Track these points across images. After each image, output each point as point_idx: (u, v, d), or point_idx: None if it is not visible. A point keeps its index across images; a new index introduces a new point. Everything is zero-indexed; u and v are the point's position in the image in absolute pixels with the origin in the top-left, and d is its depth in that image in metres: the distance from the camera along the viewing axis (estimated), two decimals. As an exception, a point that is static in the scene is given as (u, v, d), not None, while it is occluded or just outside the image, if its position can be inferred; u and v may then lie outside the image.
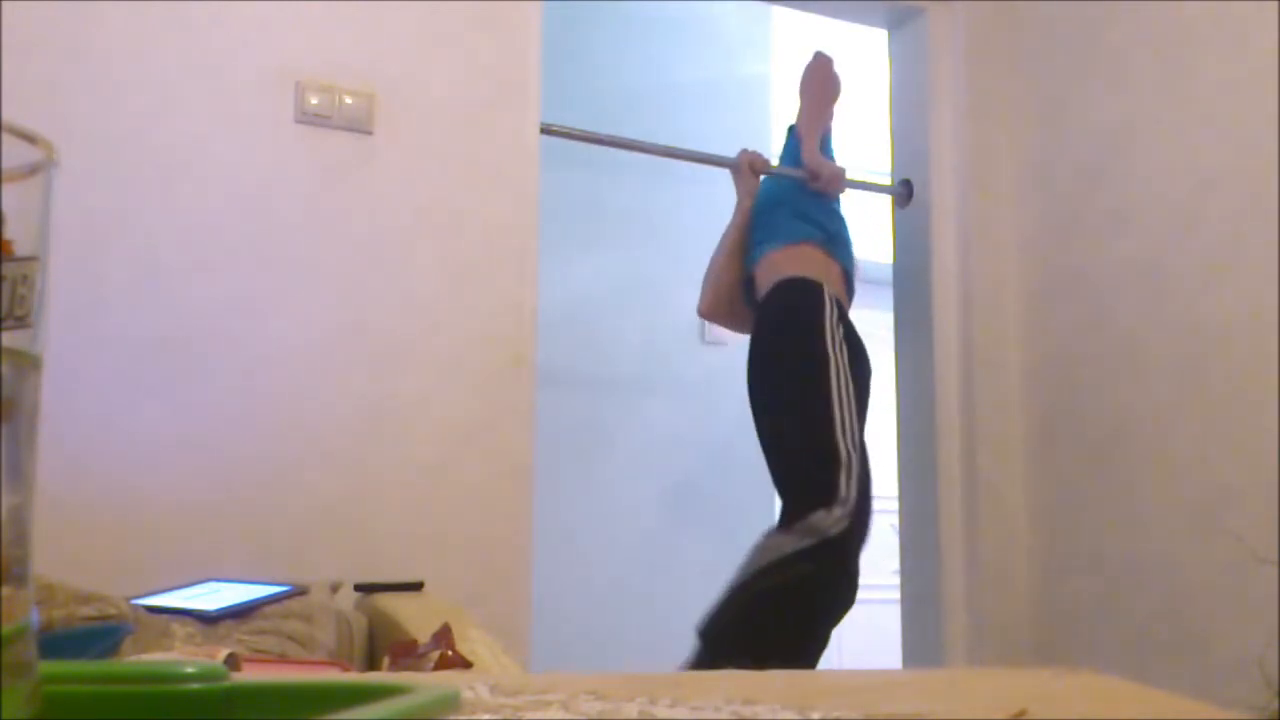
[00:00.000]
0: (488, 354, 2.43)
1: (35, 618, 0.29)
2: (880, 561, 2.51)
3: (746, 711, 0.40)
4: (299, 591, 1.78)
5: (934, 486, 2.98)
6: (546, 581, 2.61)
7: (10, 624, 0.28)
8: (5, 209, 0.28)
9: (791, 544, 2.25)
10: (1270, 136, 2.39)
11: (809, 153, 2.79)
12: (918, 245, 3.13)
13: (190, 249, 2.21)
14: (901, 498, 3.10)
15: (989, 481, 2.96)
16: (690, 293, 2.95)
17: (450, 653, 1.43)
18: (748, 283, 2.78)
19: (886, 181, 3.27)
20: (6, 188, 0.28)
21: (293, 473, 2.22)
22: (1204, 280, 2.53)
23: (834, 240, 2.70)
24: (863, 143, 3.81)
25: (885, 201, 3.34)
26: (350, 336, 2.31)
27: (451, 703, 0.31)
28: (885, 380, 2.88)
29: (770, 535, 2.32)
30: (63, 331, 2.03)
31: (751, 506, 3.56)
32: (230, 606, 1.67)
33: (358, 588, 2.08)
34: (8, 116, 0.28)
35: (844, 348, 2.45)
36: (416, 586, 2.08)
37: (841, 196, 2.85)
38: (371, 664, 1.81)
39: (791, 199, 2.78)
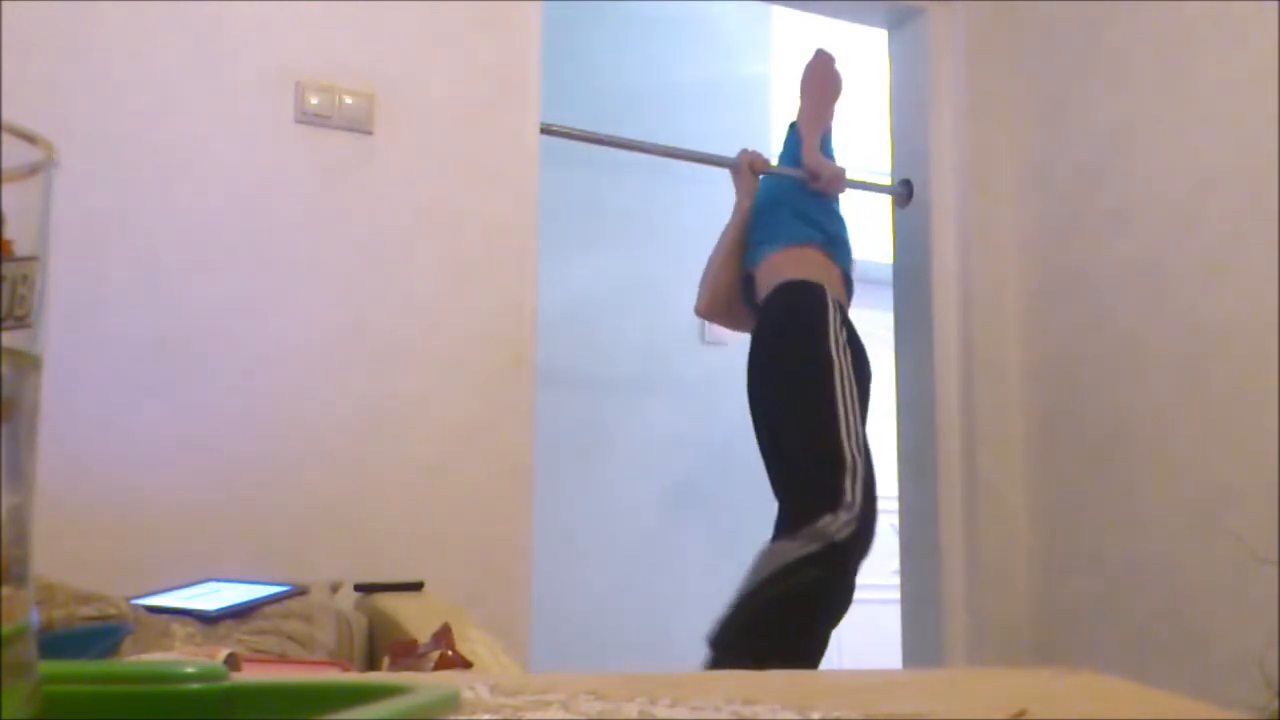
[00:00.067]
0: (488, 354, 2.43)
1: (35, 618, 0.29)
2: (880, 561, 2.51)
3: (746, 711, 0.40)
4: (299, 591, 1.78)
5: (934, 486, 2.98)
6: (546, 581, 2.61)
7: (10, 624, 0.28)
8: (5, 209, 0.28)
9: (797, 550, 2.24)
10: (1270, 136, 2.39)
11: (809, 153, 2.78)
12: (918, 245, 3.13)
13: (190, 249, 2.21)
14: (901, 498, 3.10)
15: (989, 481, 2.96)
16: (690, 293, 2.95)
17: (450, 653, 1.43)
18: (746, 282, 2.78)
19: (886, 181, 3.27)
20: (6, 188, 0.28)
21: (293, 473, 2.22)
22: (1204, 280, 2.53)
23: (834, 242, 2.70)
24: (863, 143, 3.81)
25: (885, 201, 3.34)
26: (350, 336, 2.31)
27: (451, 703, 0.31)
28: (885, 380, 2.88)
29: (775, 541, 2.31)
30: (63, 331, 2.03)
31: (751, 506, 3.55)
32: (230, 606, 1.67)
33: (358, 588, 2.08)
34: (8, 116, 0.28)
35: (847, 351, 2.45)
36: (416, 586, 2.08)
37: (841, 196, 2.85)
38: (371, 664, 1.81)
39: (792, 199, 2.78)
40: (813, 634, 2.30)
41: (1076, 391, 2.85)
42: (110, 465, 2.09)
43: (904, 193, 3.18)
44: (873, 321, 3.09)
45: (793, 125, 2.98)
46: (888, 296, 3.26)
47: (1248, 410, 2.40)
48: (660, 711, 0.40)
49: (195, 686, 0.34)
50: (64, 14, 2.15)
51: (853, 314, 2.63)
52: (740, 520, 3.57)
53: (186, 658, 1.00)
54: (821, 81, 2.87)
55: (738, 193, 2.89)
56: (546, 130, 2.63)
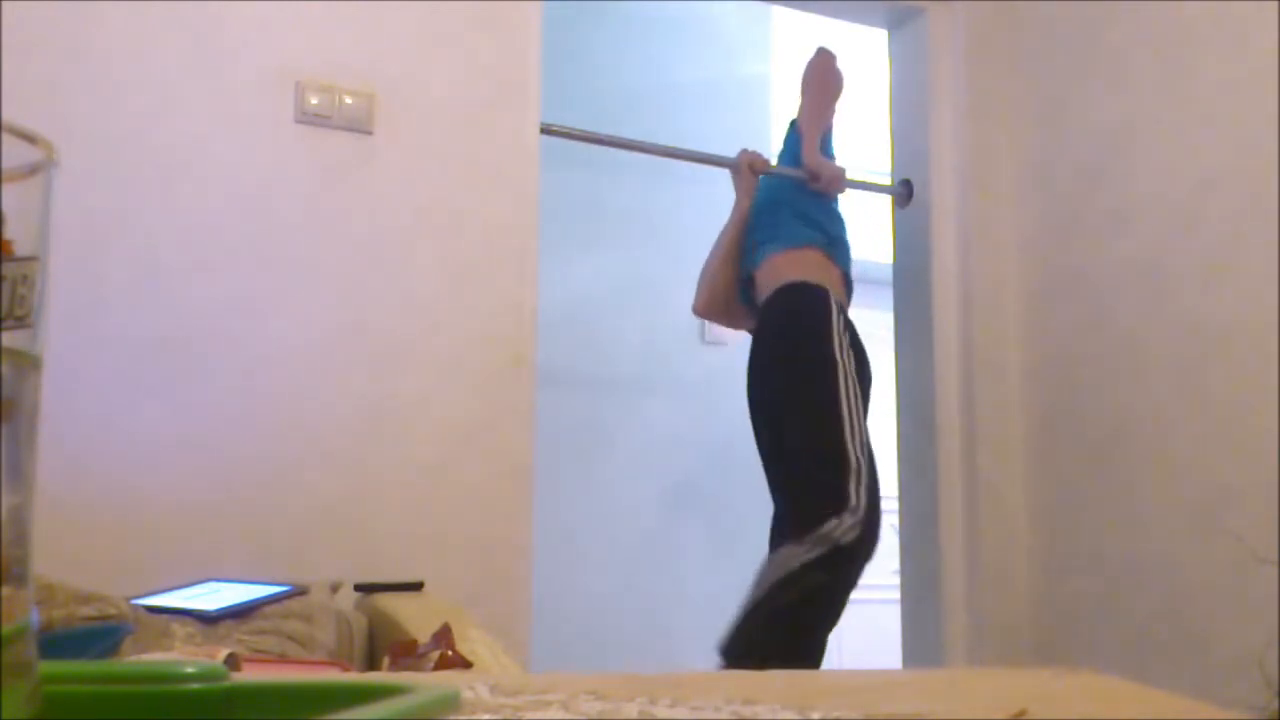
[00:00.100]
0: (488, 354, 2.43)
1: (35, 618, 0.29)
2: (880, 561, 2.51)
3: (746, 711, 0.40)
4: (299, 591, 1.78)
5: (934, 486, 2.98)
6: (546, 581, 2.61)
7: (10, 624, 0.28)
8: (5, 209, 0.28)
9: (803, 555, 2.24)
10: (1270, 136, 2.39)
11: (809, 153, 2.78)
12: (918, 245, 3.13)
13: (190, 249, 2.21)
14: (901, 498, 3.10)
15: (989, 481, 2.96)
16: (690, 293, 2.95)
17: (450, 653, 1.43)
18: (746, 281, 2.78)
19: (886, 181, 3.27)
20: (6, 188, 0.28)
21: (293, 473, 2.22)
22: (1204, 280, 2.53)
23: (835, 244, 2.70)
24: (863, 143, 3.81)
25: (885, 201, 3.34)
26: (350, 336, 2.31)
27: (451, 703, 0.31)
28: (885, 380, 2.88)
29: (781, 547, 2.30)
30: (63, 331, 2.03)
31: (751, 506, 3.55)
32: (230, 606, 1.67)
33: (358, 588, 2.08)
34: (8, 116, 0.28)
35: (850, 353, 2.45)
36: (416, 586, 2.08)
37: (841, 196, 2.85)
38: (371, 664, 1.81)
39: (792, 199, 2.78)
40: (813, 636, 2.30)
41: (1076, 391, 2.85)
42: (110, 465, 2.09)
43: (904, 193, 3.18)
44: (873, 321, 3.09)
45: (793, 122, 2.97)
46: (888, 296, 3.26)
47: (1248, 410, 2.40)
48: (660, 711, 0.40)
49: (195, 686, 0.34)
50: (64, 14, 2.15)
51: (853, 314, 2.63)
52: (740, 520, 3.57)
53: (186, 658, 1.00)
54: (822, 80, 2.86)
55: (737, 193, 2.89)
56: (546, 130, 2.62)
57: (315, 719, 0.30)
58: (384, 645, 1.73)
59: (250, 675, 0.46)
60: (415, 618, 1.79)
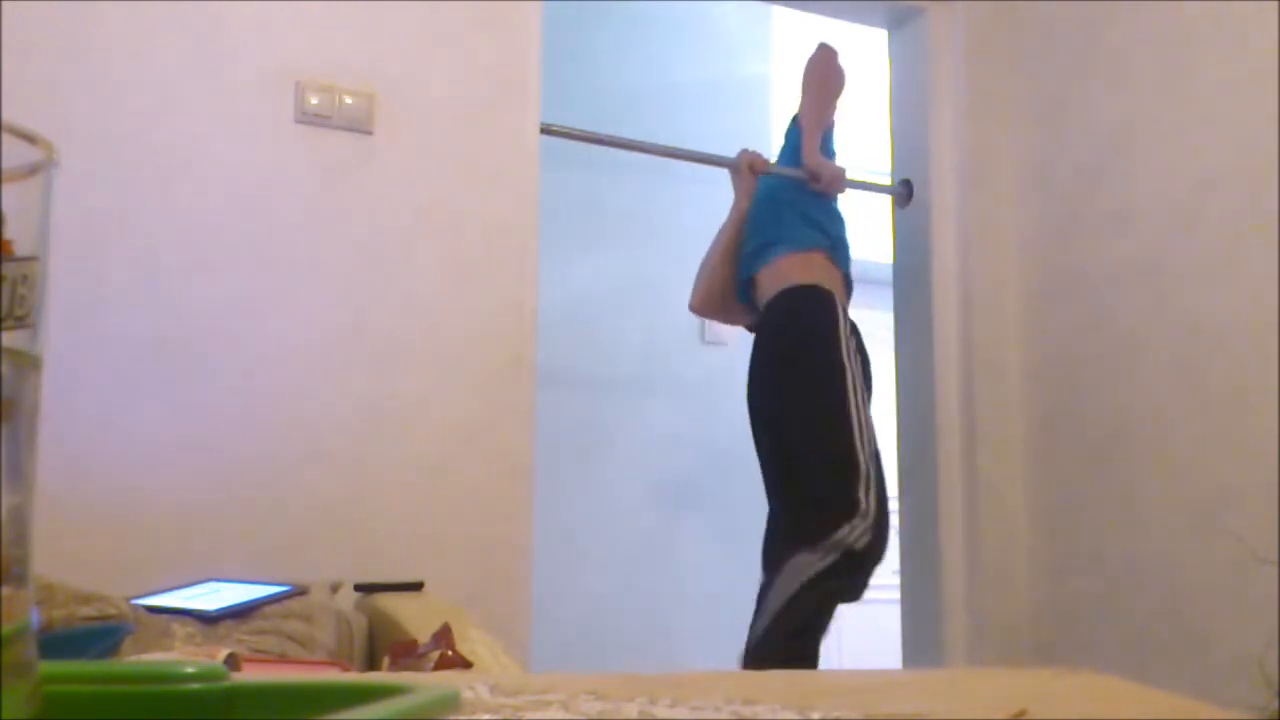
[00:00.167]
0: (488, 354, 2.43)
1: (35, 618, 0.29)
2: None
3: (746, 711, 0.40)
4: (299, 591, 1.78)
5: (934, 486, 2.98)
6: (546, 581, 2.61)
7: (10, 624, 0.28)
8: (5, 209, 0.28)
9: (818, 563, 2.24)
10: (1270, 136, 2.39)
11: (810, 153, 2.77)
12: (918, 245, 3.13)
13: (190, 249, 2.21)
14: (901, 498, 3.10)
15: (989, 481, 2.95)
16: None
17: (450, 653, 1.43)
18: (746, 282, 2.78)
19: (886, 181, 3.27)
20: (6, 188, 0.28)
21: (293, 473, 2.22)
22: (1204, 280, 2.53)
23: (837, 246, 2.69)
24: (863, 143, 3.81)
25: (885, 201, 3.33)
26: (350, 336, 2.31)
27: (451, 703, 0.31)
28: (885, 380, 2.88)
29: (794, 557, 2.29)
30: (63, 331, 2.03)
31: (751, 506, 3.55)
32: (230, 606, 1.67)
33: (358, 588, 2.08)
34: (8, 116, 0.28)
35: (856, 357, 2.44)
36: (416, 586, 2.08)
37: (841, 196, 2.84)
38: (371, 664, 1.81)
39: (793, 199, 2.77)
40: (817, 642, 2.31)
41: (1076, 391, 2.85)
42: (110, 465, 2.09)
43: (904, 193, 3.18)
44: (873, 321, 3.09)
45: (795, 118, 2.96)
46: (888, 296, 3.26)
47: (1248, 410, 2.40)
48: (660, 711, 0.40)
49: (195, 686, 0.34)
50: (64, 14, 2.15)
51: (853, 314, 2.63)
52: (740, 520, 3.56)
53: (186, 658, 1.00)
54: (824, 76, 2.84)
55: (736, 193, 2.88)
56: (546, 130, 2.62)
57: (315, 719, 0.30)
58: (384, 645, 1.73)
59: (250, 675, 0.46)
60: (415, 618, 1.79)
